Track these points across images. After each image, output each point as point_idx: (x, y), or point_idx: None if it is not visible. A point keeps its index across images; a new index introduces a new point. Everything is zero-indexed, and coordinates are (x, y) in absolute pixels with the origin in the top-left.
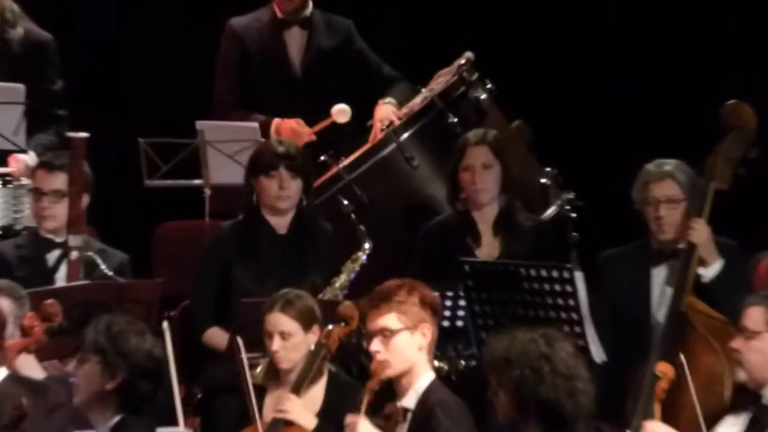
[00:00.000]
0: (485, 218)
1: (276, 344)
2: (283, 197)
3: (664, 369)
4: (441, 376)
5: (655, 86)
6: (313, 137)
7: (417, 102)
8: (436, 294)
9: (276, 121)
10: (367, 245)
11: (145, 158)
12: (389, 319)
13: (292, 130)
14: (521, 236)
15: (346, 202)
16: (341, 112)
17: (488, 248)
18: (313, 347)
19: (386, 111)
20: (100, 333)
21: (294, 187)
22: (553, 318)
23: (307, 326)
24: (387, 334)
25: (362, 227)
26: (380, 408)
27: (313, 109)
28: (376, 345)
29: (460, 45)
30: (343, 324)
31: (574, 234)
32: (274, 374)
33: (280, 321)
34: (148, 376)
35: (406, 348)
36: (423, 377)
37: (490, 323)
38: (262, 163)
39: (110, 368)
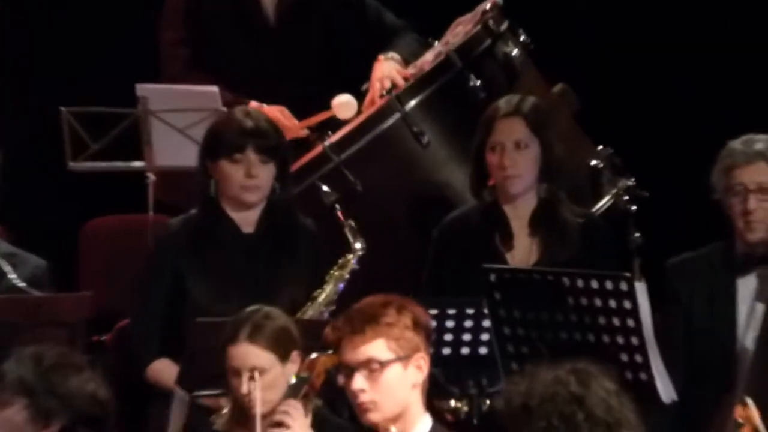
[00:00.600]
0: (519, 213)
1: (247, 385)
2: (250, 187)
3: (747, 413)
4: (459, 420)
5: (740, 39)
6: (303, 133)
7: (428, 59)
8: (429, 314)
9: (253, 106)
10: (358, 246)
11: (70, 133)
12: (377, 348)
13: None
14: (567, 237)
15: (326, 189)
16: (345, 106)
17: (523, 252)
18: (293, 380)
19: (388, 70)
20: (25, 369)
21: (265, 173)
22: (606, 343)
23: (284, 356)
24: (374, 367)
25: (352, 223)
26: None
27: (290, 71)
28: (359, 382)
29: None
30: (330, 351)
31: (637, 235)
32: (241, 418)
33: (249, 355)
34: (93, 425)
35: (399, 385)
36: (421, 422)
37: (523, 351)
38: (223, 141)
39: (43, 414)
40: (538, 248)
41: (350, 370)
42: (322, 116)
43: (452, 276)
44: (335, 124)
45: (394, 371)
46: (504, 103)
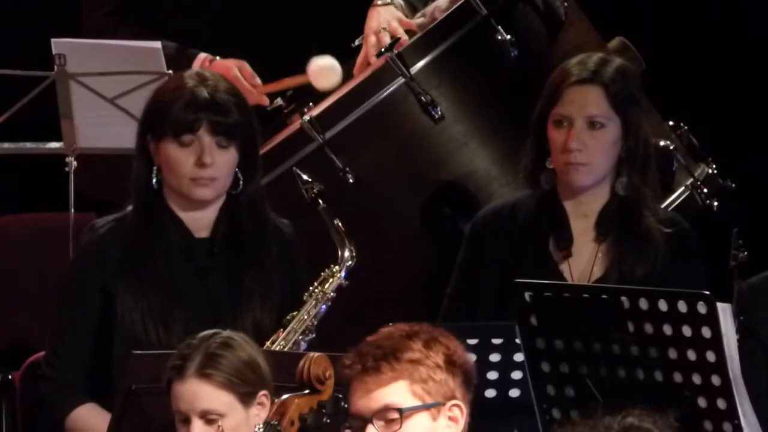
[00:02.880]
0: (584, 210)
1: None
2: (204, 179)
3: None
4: None
5: None
6: (264, 100)
7: (441, 4)
8: (466, 349)
9: (201, 59)
10: (347, 254)
11: None
12: (396, 392)
13: (229, 78)
14: (647, 250)
15: (306, 178)
16: (325, 73)
17: (584, 263)
18: (259, 429)
19: (387, 19)
20: None
21: (224, 161)
22: (678, 384)
23: (246, 397)
24: (392, 416)
25: (339, 224)
26: None
27: (256, 18)
28: None
29: None
30: (307, 391)
31: (742, 250)
32: None
33: (200, 395)
34: None
35: None
36: None
37: (567, 393)
38: (168, 116)
39: None
40: (605, 259)
41: (361, 423)
42: (293, 81)
43: (488, 292)
44: (317, 92)
45: (419, 423)
46: (577, 64)
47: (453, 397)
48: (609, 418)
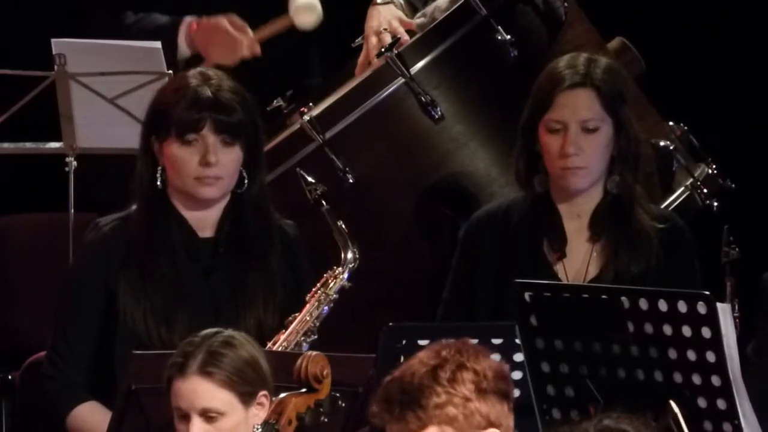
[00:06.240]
0: (577, 211)
1: (197, 430)
2: (209, 178)
3: None
4: None
5: None
6: (257, 49)
7: (441, 4)
8: (500, 362)
9: (188, 22)
10: (350, 255)
11: None
12: None
13: (219, 34)
14: (640, 247)
15: (310, 179)
16: (305, 10)
17: (578, 263)
18: (258, 430)
19: (387, 19)
20: None
21: (228, 159)
22: (678, 384)
23: (247, 396)
24: None
25: (342, 225)
26: None
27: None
28: None
29: None
30: (305, 390)
31: (733, 247)
32: None
33: (201, 393)
34: None
35: None
36: None
37: (567, 393)
38: (172, 116)
39: None
40: (599, 258)
41: None
42: (278, 25)
43: (483, 293)
44: (320, 90)
45: None
46: (566, 66)
47: (488, 424)
48: (586, 422)
